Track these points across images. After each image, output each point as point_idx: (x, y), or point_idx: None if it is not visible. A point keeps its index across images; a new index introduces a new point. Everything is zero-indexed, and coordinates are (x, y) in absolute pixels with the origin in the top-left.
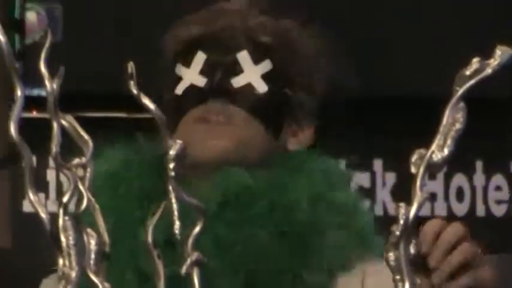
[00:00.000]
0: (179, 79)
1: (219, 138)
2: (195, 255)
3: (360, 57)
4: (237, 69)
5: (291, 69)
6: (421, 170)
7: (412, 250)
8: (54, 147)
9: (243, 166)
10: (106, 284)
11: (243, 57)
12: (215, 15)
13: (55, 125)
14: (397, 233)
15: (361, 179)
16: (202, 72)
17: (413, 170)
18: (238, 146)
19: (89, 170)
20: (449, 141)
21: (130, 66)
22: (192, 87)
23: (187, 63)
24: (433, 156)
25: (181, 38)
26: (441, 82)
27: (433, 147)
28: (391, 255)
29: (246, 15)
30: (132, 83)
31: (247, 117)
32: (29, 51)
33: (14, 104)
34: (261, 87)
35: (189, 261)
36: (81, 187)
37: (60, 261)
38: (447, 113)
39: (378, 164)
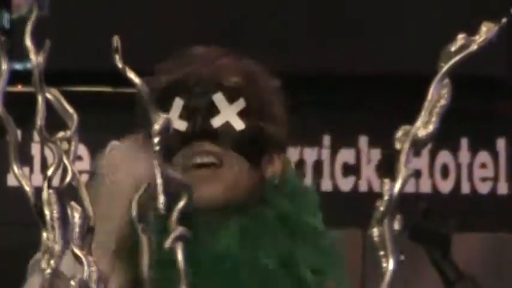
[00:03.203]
0: None
1: (208, 184)
2: (178, 230)
3: (345, 35)
4: (214, 111)
5: (260, 104)
6: (406, 146)
7: (396, 226)
8: (39, 121)
9: (232, 207)
10: (90, 258)
11: (219, 98)
12: (184, 62)
13: (40, 98)
14: (382, 208)
15: (346, 155)
16: (182, 116)
17: (397, 146)
18: (226, 190)
19: (73, 143)
20: (434, 118)
21: (116, 40)
22: (174, 132)
23: (166, 110)
24: (418, 132)
25: (155, 87)
26: (427, 59)
27: (418, 123)
28: (375, 231)
29: (213, 59)
30: (117, 57)
31: (232, 155)
32: (15, 26)
33: None
34: (238, 125)
35: (173, 235)
36: (65, 160)
37: (44, 234)
38: (432, 89)
39: (363, 141)
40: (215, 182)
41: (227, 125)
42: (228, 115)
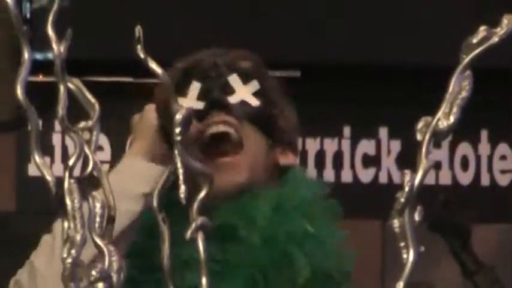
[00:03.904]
0: None
1: (232, 172)
2: (200, 220)
3: (366, 26)
4: (229, 90)
5: (271, 93)
6: (427, 137)
7: (416, 217)
8: (61, 110)
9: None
10: (111, 247)
11: (234, 79)
12: (198, 55)
13: (61, 88)
14: (402, 200)
15: (367, 146)
16: (199, 98)
17: (419, 137)
18: (249, 176)
19: (94, 133)
20: (455, 109)
21: (138, 30)
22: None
23: (184, 94)
24: (439, 123)
25: (172, 74)
26: (448, 50)
27: (439, 114)
28: (396, 222)
29: (226, 52)
30: (139, 47)
31: (250, 127)
32: (36, 16)
33: (21, 68)
34: (254, 102)
35: (194, 225)
36: (87, 150)
37: (65, 224)
38: (454, 80)
39: (383, 132)
40: (236, 170)
41: (243, 102)
42: (243, 94)
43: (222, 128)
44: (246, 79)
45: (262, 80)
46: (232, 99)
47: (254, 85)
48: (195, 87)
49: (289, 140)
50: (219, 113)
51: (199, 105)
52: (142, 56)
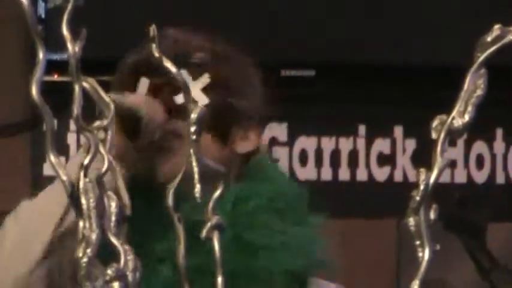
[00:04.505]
0: None
1: (170, 160)
2: (215, 219)
3: (382, 25)
4: (178, 88)
5: (230, 81)
6: (442, 135)
7: (432, 216)
8: (76, 110)
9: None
10: (126, 247)
11: (183, 75)
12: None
13: (76, 87)
14: (418, 198)
15: (382, 145)
16: (148, 95)
17: (433, 135)
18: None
19: (109, 132)
20: (470, 108)
21: (152, 30)
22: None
23: (132, 89)
24: (454, 122)
25: (121, 68)
26: (463, 49)
27: (454, 113)
28: (411, 221)
29: (181, 40)
30: (154, 46)
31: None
32: (50, 16)
33: (36, 67)
34: (202, 100)
35: (209, 225)
36: (102, 150)
37: (81, 223)
38: (468, 79)
39: (398, 131)
40: (176, 156)
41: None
42: (192, 91)
43: (178, 100)
44: (196, 73)
45: (218, 69)
46: (179, 99)
47: (204, 79)
48: (144, 84)
49: (251, 121)
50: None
51: None
52: (156, 55)
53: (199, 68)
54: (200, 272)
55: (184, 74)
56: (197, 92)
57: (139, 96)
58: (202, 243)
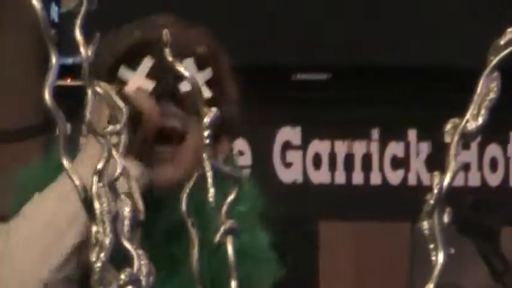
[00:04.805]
0: (120, 81)
1: (169, 165)
2: (228, 224)
3: (395, 27)
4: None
5: (223, 80)
6: (455, 139)
7: (446, 219)
8: (88, 114)
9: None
10: (140, 251)
11: (189, 63)
12: (154, 25)
13: (89, 92)
14: (432, 201)
15: (396, 148)
16: (149, 76)
17: (447, 139)
18: (185, 172)
19: (122, 137)
20: (483, 111)
21: (165, 34)
22: None
23: (132, 67)
24: (467, 125)
25: (124, 42)
26: (476, 52)
27: (467, 116)
28: (425, 224)
29: (183, 27)
30: (167, 50)
31: (197, 121)
32: (63, 20)
33: (49, 72)
34: (206, 93)
35: (222, 229)
36: (115, 154)
37: (94, 228)
38: (481, 82)
39: (412, 134)
40: (175, 163)
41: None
42: None
43: (169, 123)
44: (201, 65)
45: (217, 67)
46: (184, 87)
47: (208, 73)
48: (147, 64)
49: (230, 125)
50: (167, 105)
51: (149, 85)
52: (170, 59)
53: (203, 60)
54: (175, 261)
55: (191, 62)
56: (201, 83)
57: (142, 93)
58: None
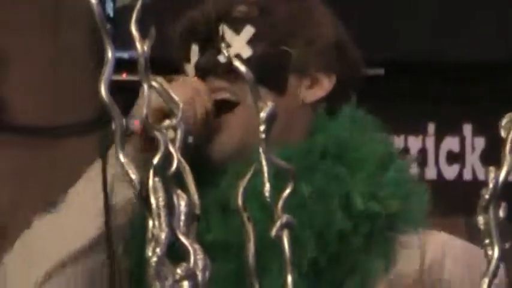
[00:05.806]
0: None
1: (222, 133)
2: (285, 218)
3: (450, 23)
4: (221, 46)
5: (278, 29)
6: (511, 133)
7: (501, 214)
8: (145, 109)
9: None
10: (196, 246)
11: (225, 31)
12: (199, 7)
13: (145, 86)
14: (487, 196)
15: (451, 143)
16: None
17: (503, 133)
18: (241, 138)
19: (179, 131)
20: None
21: (221, 29)
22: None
23: (188, 59)
24: None
25: (175, 35)
26: None
27: None
28: (481, 219)
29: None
30: (223, 45)
31: (246, 91)
32: (119, 15)
33: (105, 66)
34: (245, 53)
35: (279, 223)
36: (171, 149)
37: (150, 222)
38: None
39: (467, 129)
40: (227, 131)
41: (238, 56)
42: (237, 46)
43: (218, 96)
44: (238, 27)
45: (263, 18)
46: (223, 58)
47: (247, 32)
48: (194, 51)
49: (316, 68)
50: (209, 79)
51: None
52: (226, 54)
53: (241, 21)
54: (224, 248)
55: (225, 29)
56: (243, 46)
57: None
58: (229, 218)
